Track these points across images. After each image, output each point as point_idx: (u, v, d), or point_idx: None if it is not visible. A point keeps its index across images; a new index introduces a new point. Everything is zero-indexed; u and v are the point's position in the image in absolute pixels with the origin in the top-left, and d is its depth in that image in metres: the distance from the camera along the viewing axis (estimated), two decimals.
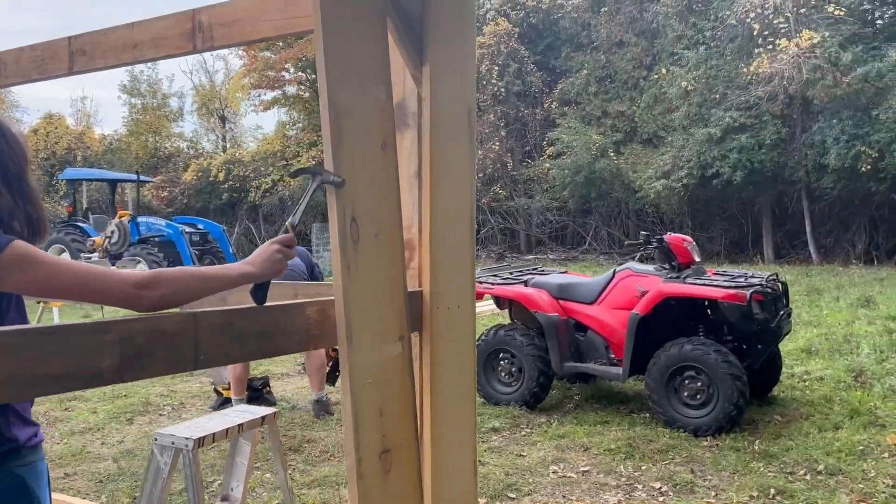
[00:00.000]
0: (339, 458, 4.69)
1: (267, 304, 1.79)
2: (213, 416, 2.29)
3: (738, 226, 21.40)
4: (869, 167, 16.80)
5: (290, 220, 1.84)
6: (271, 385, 6.36)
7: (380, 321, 1.97)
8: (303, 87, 32.16)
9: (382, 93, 2.04)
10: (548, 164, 23.20)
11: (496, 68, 25.02)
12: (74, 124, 37.39)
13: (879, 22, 20.51)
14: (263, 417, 2.27)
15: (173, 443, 2.03)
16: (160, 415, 5.89)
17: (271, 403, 6.07)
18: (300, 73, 31.76)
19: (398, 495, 2.00)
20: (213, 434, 2.08)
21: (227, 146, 38.28)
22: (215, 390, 6.12)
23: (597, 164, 21.05)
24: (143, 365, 1.50)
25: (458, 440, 2.34)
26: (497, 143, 24.54)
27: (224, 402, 5.96)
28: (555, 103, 24.64)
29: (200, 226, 16.77)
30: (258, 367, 7.34)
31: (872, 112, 17.06)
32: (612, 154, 21.67)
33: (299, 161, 29.44)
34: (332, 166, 1.85)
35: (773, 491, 3.92)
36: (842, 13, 18.34)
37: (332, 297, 1.91)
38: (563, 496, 4.00)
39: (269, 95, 32.22)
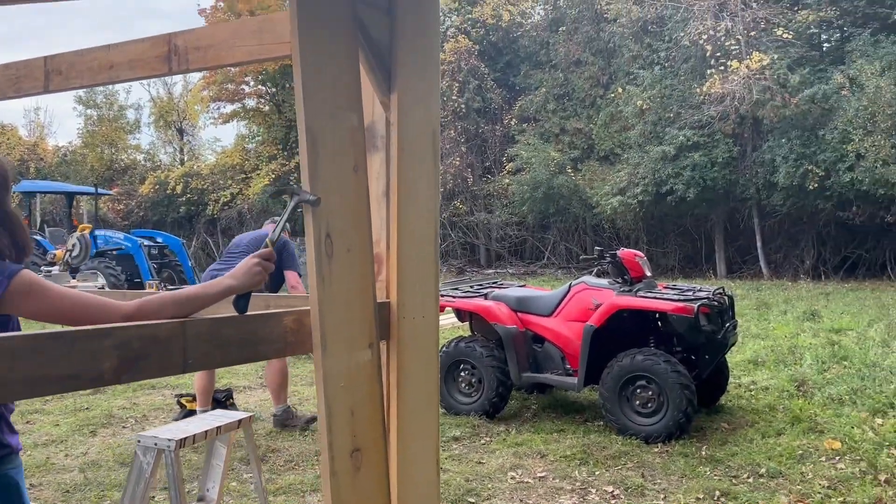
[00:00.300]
0: (304, 468, 4.81)
1: (248, 313, 1.95)
2: (191, 419, 2.42)
3: (692, 241, 21.95)
4: (816, 185, 17.42)
5: (269, 236, 1.99)
6: (234, 397, 6.43)
7: (351, 329, 2.13)
8: (262, 101, 32.11)
9: (354, 119, 2.22)
10: (507, 180, 23.55)
11: (457, 85, 25.36)
12: (28, 135, 36.79)
13: (826, 45, 21.35)
14: (239, 421, 2.41)
15: (156, 444, 2.15)
16: (123, 427, 5.94)
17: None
18: (260, 87, 31.72)
19: (367, 491, 2.16)
20: (194, 436, 2.21)
21: (185, 159, 38.00)
22: (178, 402, 6.18)
23: (555, 180, 21.43)
24: (138, 367, 1.64)
25: (422, 442, 2.50)
26: (458, 159, 24.84)
27: (187, 414, 6.02)
28: (514, 120, 25.04)
29: (159, 239, 16.65)
30: (221, 380, 7.41)
31: (819, 132, 17.71)
32: (569, 170, 22.09)
33: (258, 174, 29.38)
34: (309, 186, 2.01)
35: (718, 493, 4.15)
36: (790, 36, 19.04)
37: (307, 308, 2.07)
38: (521, 500, 4.18)
39: (229, 108, 32.13)
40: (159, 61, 3.27)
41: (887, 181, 15.64)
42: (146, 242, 15.40)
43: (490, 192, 24.71)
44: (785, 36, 19.01)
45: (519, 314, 5.88)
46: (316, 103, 2.06)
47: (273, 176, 28.36)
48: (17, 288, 1.65)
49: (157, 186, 31.16)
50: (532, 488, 4.35)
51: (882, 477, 4.29)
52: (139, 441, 2.17)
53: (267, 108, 32.07)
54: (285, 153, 30.34)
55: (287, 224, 2.09)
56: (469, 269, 23.57)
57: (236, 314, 1.93)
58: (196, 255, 27.58)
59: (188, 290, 1.83)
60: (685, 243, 22.02)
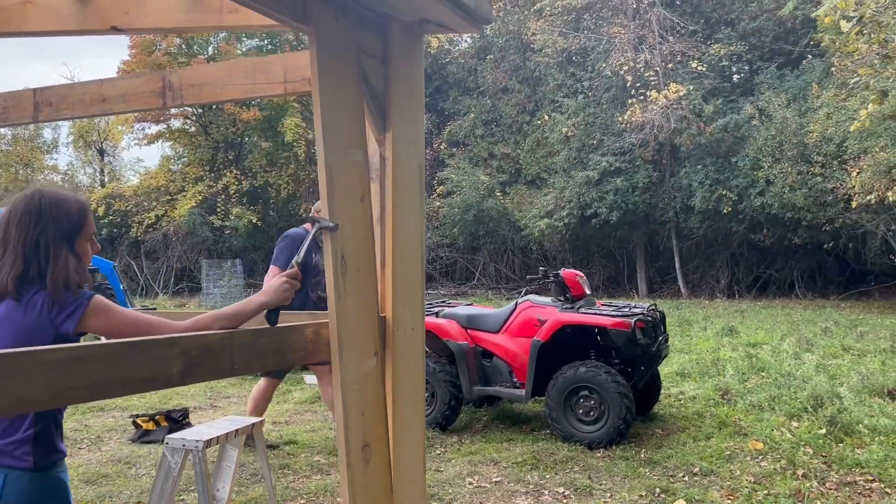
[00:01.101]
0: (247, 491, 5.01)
1: (277, 325, 2.23)
2: (209, 424, 2.66)
3: (615, 262, 22.84)
4: (730, 209, 18.48)
5: (295, 258, 2.29)
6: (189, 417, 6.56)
7: (361, 340, 2.44)
8: (188, 122, 31.76)
9: (360, 155, 2.54)
10: (438, 203, 24.01)
11: None
12: None
13: (736, 77, 22.68)
14: (253, 424, 2.67)
15: (184, 445, 2.38)
16: (79, 448, 5.99)
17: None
18: (186, 108, 31.39)
19: (375, 481, 2.45)
20: (217, 437, 2.45)
21: (106, 180, 37.12)
22: (134, 423, 6.27)
23: (485, 203, 22.02)
24: (198, 371, 1.91)
25: (412, 439, 2.80)
26: None
27: (143, 435, 6.13)
28: (444, 144, 25.59)
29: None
30: (171, 401, 7.50)
31: (732, 159, 18.83)
32: (498, 194, 22.72)
33: (184, 196, 29.00)
34: (327, 215, 2.32)
35: (658, 490, 4.57)
36: (704, 69, 20.21)
37: (323, 321, 2.37)
38: (480, 503, 4.50)
39: (154, 129, 31.65)
40: (153, 95, 3.51)
41: (794, 205, 16.76)
42: (116, 265, 15.13)
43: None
44: (699, 68, 20.18)
45: (469, 331, 6.23)
46: (332, 142, 2.37)
47: (200, 198, 28.05)
48: (93, 309, 1.91)
49: None
50: (489, 492, 4.68)
51: (800, 472, 4.80)
52: (167, 443, 2.40)
53: (193, 129, 31.72)
54: (212, 174, 30.07)
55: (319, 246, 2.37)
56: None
57: (268, 326, 2.21)
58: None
59: (232, 307, 2.12)
60: (608, 264, 22.89)
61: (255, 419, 2.73)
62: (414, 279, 2.89)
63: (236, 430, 2.55)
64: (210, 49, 30.28)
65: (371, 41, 2.66)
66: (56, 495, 1.96)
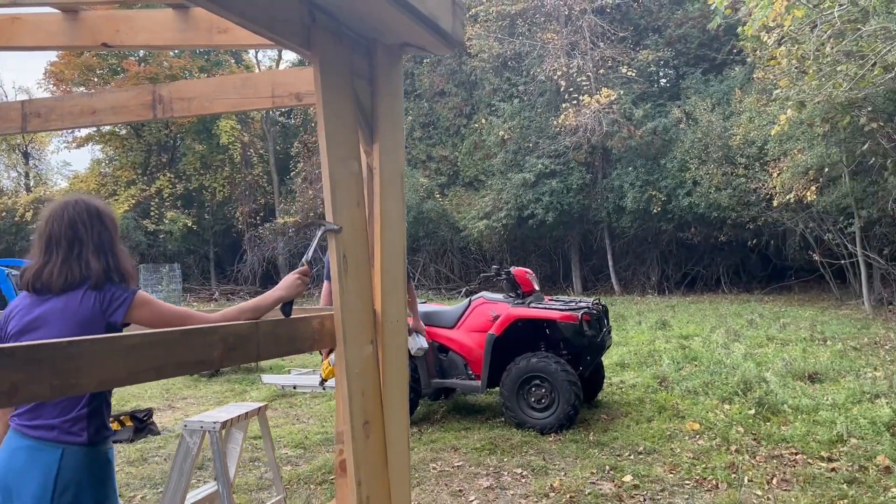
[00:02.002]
0: (240, 474, 5.24)
1: (291, 317, 2.53)
2: (222, 409, 2.91)
3: (551, 261, 23.50)
4: (659, 209, 19.28)
5: (304, 257, 2.58)
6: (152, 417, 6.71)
7: (361, 329, 2.75)
8: (119, 124, 31.15)
9: (355, 166, 2.85)
10: None
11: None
12: None
13: (664, 82, 23.61)
14: (259, 408, 2.95)
15: (202, 426, 2.64)
16: None
17: (156, 433, 6.45)
18: None
19: (374, 453, 2.77)
20: (231, 419, 2.72)
21: (32, 184, 36.01)
22: (118, 420, 6.39)
23: (424, 205, 22.36)
24: (233, 356, 2.19)
25: (400, 418, 3.12)
26: None
27: (139, 431, 6.31)
28: None
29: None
30: (128, 403, 7.60)
31: (661, 161, 19.64)
32: (437, 196, 23.10)
33: (116, 199, 28.47)
34: (332, 218, 2.63)
35: (607, 468, 4.99)
36: (633, 74, 20.99)
37: (328, 312, 2.67)
38: (446, 484, 4.84)
39: (84, 131, 30.95)
40: (143, 108, 3.74)
41: (719, 205, 17.62)
42: (13, 272, 14.78)
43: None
44: (629, 73, 20.96)
45: (426, 327, 6.56)
46: (334, 154, 2.68)
47: (133, 201, 27.61)
48: (137, 303, 2.19)
49: (4, 214, 29.44)
50: (453, 474, 5.02)
51: (733, 448, 5.30)
52: (185, 425, 2.66)
53: (124, 131, 31.15)
54: (145, 178, 29.60)
55: (321, 246, 2.67)
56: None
57: (283, 317, 2.50)
58: None
59: (254, 301, 2.41)
60: (545, 263, 23.53)
61: (258, 404, 3.00)
62: (398, 276, 3.21)
63: (245, 414, 2.83)
64: (142, 52, 29.72)
65: (361, 63, 2.97)
66: (106, 469, 2.22)
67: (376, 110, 3.08)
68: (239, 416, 2.75)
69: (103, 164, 32.01)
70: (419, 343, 5.74)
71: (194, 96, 3.61)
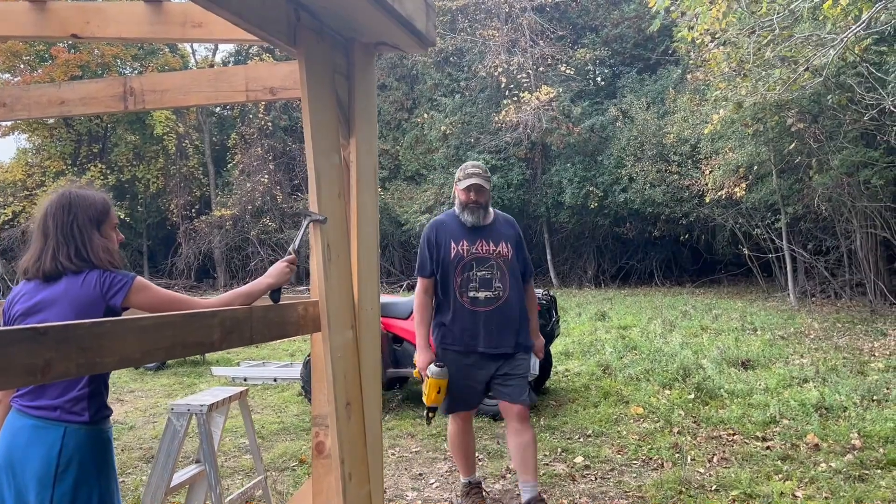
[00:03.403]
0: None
1: (280, 303, 2.64)
2: (205, 392, 2.99)
3: None
4: (596, 204, 19.78)
5: (291, 247, 2.69)
6: None
7: (342, 315, 2.88)
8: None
9: (336, 158, 2.98)
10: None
11: (263, 103, 25.58)
12: None
13: (600, 80, 24.15)
14: (241, 392, 3.05)
15: (189, 409, 2.73)
16: None
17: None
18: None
19: (355, 433, 2.91)
20: (217, 402, 2.81)
21: None
22: None
23: None
24: (229, 339, 2.30)
25: (374, 401, 3.26)
26: (266, 176, 25.04)
27: None
28: None
29: None
30: None
31: (598, 158, 20.14)
32: (379, 190, 23.12)
33: (44, 191, 27.58)
34: (316, 209, 2.75)
35: (559, 450, 5.23)
36: (571, 72, 21.44)
37: (312, 300, 2.80)
38: (406, 468, 5.00)
39: (9, 120, 29.79)
40: (114, 100, 3.77)
41: (654, 201, 18.19)
42: None
43: (300, 210, 25.13)
44: (567, 71, 21.39)
45: (381, 318, 6.68)
46: (318, 147, 2.79)
47: (70, 193, 26.74)
48: (136, 288, 2.28)
49: None
50: (412, 459, 5.18)
51: (675, 430, 5.60)
52: (172, 409, 2.74)
53: (52, 120, 30.15)
54: (75, 168, 28.74)
55: (307, 237, 2.78)
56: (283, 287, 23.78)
57: (272, 304, 2.62)
58: None
59: (247, 287, 2.52)
60: None
61: (240, 389, 3.09)
62: (372, 265, 3.35)
63: (229, 397, 2.92)
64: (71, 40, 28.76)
65: (339, 60, 3.10)
66: (106, 448, 2.30)
67: (353, 105, 3.20)
68: (223, 399, 2.85)
69: (30, 153, 30.91)
70: (534, 368, 5.11)
71: (167, 89, 3.66)
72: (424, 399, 4.06)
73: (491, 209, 4.25)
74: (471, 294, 3.98)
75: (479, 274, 3.99)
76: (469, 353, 3.99)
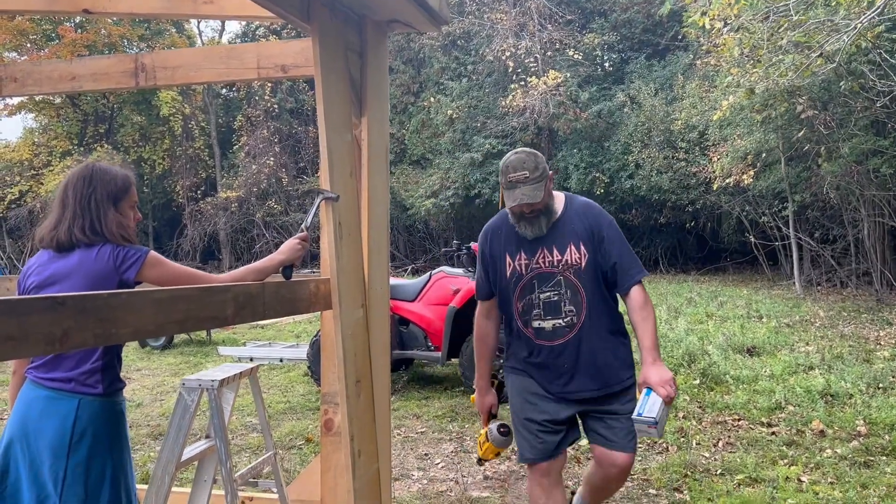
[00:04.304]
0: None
1: (291, 279, 2.65)
2: (215, 369, 3.01)
3: None
4: (602, 191, 19.73)
5: (304, 223, 2.69)
6: None
7: (353, 293, 2.89)
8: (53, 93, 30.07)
9: (349, 136, 2.97)
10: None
11: (269, 85, 25.53)
12: None
13: (608, 66, 24.03)
14: (251, 369, 3.06)
15: (200, 384, 2.74)
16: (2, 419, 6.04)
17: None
18: None
19: (364, 410, 2.92)
20: (228, 378, 2.83)
21: None
22: None
23: None
24: (243, 314, 2.31)
25: (383, 378, 3.27)
26: (271, 159, 25.02)
27: None
28: None
29: None
30: None
31: (605, 144, 20.07)
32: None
33: (51, 171, 27.61)
34: (329, 187, 2.75)
35: None
36: (579, 57, 21.32)
37: (323, 277, 2.80)
38: (412, 448, 5.02)
39: (16, 99, 29.77)
40: (125, 76, 3.76)
41: (660, 188, 18.14)
42: None
43: (311, 188, 25.14)
44: (575, 56, 21.28)
45: None
46: (331, 125, 2.79)
47: (70, 169, 26.79)
48: (149, 262, 2.29)
49: None
50: (418, 440, 5.21)
51: (681, 414, 5.62)
52: (184, 384, 2.76)
53: (59, 100, 30.13)
54: (81, 148, 28.74)
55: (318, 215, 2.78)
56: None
57: (284, 280, 2.62)
58: None
59: (259, 263, 2.53)
60: None
61: (250, 365, 3.10)
62: (381, 245, 3.36)
63: (240, 373, 2.94)
64: (78, 18, 28.72)
65: (352, 37, 3.09)
66: (120, 420, 2.32)
67: (365, 84, 3.19)
68: (234, 375, 2.86)
69: (36, 133, 30.91)
70: (652, 410, 2.72)
71: (178, 65, 3.65)
72: (477, 449, 3.42)
73: (559, 197, 3.07)
74: (535, 324, 2.97)
75: (542, 296, 2.95)
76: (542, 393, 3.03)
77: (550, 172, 2.96)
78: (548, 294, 2.95)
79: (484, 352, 3.33)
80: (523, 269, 3.00)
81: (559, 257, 2.93)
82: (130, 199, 2.44)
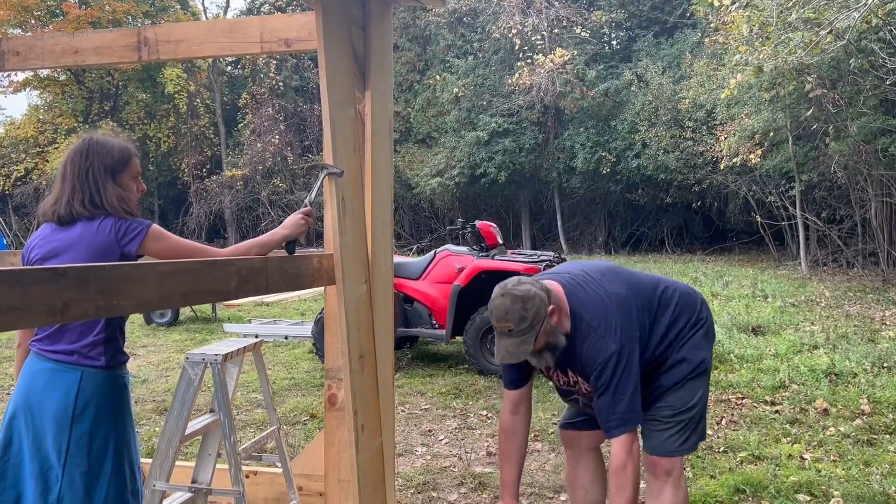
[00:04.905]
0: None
1: (295, 254, 2.64)
2: (219, 343, 3.02)
3: (501, 220, 23.72)
4: (608, 170, 19.66)
5: (307, 198, 2.68)
6: None
7: (356, 268, 2.88)
8: (58, 70, 30.02)
9: (352, 111, 2.95)
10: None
11: (274, 63, 25.42)
12: None
13: (615, 44, 23.84)
14: (255, 344, 3.07)
15: (204, 358, 2.75)
16: (7, 394, 6.08)
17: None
18: None
19: (368, 386, 2.93)
20: (232, 352, 2.84)
21: None
22: None
23: None
24: (246, 288, 2.30)
25: (386, 353, 3.27)
26: (276, 137, 24.95)
27: None
28: None
29: None
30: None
31: (611, 123, 19.96)
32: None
33: (56, 148, 27.61)
34: (332, 162, 2.73)
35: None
36: (587, 34, 21.16)
37: (327, 253, 2.80)
38: (416, 424, 5.04)
39: (21, 76, 29.73)
40: (128, 50, 3.73)
41: (667, 167, 18.07)
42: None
43: (312, 174, 25.10)
44: (582, 34, 21.12)
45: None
46: (334, 99, 2.77)
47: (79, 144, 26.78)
48: (152, 235, 2.28)
49: None
50: (422, 416, 5.23)
51: None
52: (188, 358, 2.76)
53: (63, 76, 30.05)
54: (86, 126, 28.70)
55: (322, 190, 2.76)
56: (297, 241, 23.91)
57: (288, 255, 2.62)
58: None
59: (263, 238, 2.53)
60: (495, 221, 23.73)
61: (254, 340, 3.11)
62: (385, 221, 3.35)
63: (244, 348, 2.94)
64: None
65: (356, 11, 3.06)
66: (123, 393, 2.32)
67: (369, 57, 3.17)
68: (238, 349, 2.87)
69: (41, 110, 30.89)
70: None
71: (181, 39, 3.62)
72: None
73: (567, 322, 2.58)
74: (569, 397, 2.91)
75: (569, 398, 2.90)
76: None
77: (552, 307, 2.50)
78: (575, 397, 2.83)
79: (510, 453, 2.80)
80: (558, 380, 2.82)
81: (569, 377, 2.71)
82: (131, 171, 2.42)
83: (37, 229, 2.42)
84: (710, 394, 5.45)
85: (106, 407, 2.25)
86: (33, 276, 1.47)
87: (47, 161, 26.99)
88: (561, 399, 2.93)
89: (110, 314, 1.76)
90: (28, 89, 30.15)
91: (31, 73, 29.83)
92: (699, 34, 18.54)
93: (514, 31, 21.04)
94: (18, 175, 27.57)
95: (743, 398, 5.46)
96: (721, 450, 4.35)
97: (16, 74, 29.72)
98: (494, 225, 6.81)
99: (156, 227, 2.33)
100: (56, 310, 1.55)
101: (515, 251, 7.00)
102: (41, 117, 30.23)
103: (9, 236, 26.95)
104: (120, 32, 3.72)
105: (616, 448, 2.45)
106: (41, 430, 2.18)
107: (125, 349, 2.42)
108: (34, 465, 2.19)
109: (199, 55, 3.64)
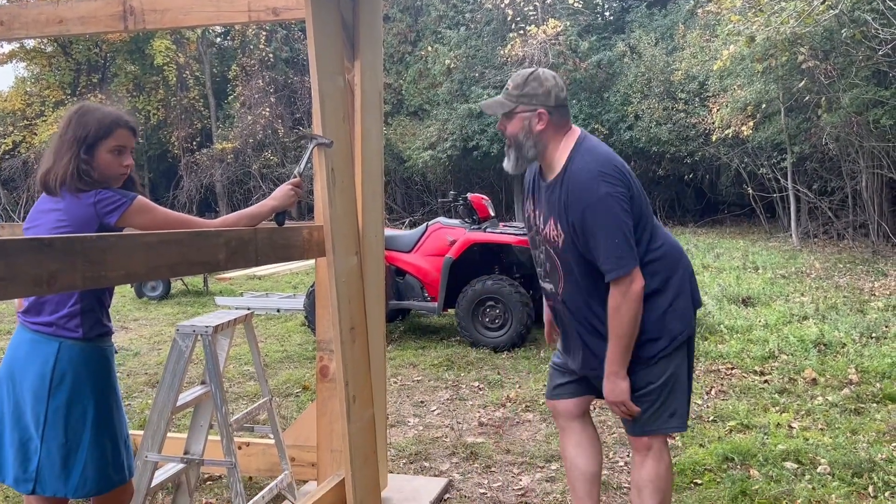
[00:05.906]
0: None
1: (284, 226, 2.63)
2: (210, 315, 3.01)
3: (494, 193, 23.66)
4: None
5: (297, 170, 2.66)
6: None
7: (347, 240, 2.87)
8: (44, 41, 29.61)
9: (341, 81, 2.93)
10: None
11: (264, 34, 25.14)
12: None
13: (609, 15, 23.64)
14: (246, 315, 3.06)
15: (194, 330, 2.75)
16: None
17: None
18: None
19: (359, 357, 2.93)
20: (223, 324, 2.83)
21: None
22: None
23: None
24: (235, 259, 2.29)
25: (377, 325, 3.27)
26: (267, 109, 24.74)
27: None
28: None
29: None
30: None
31: (604, 94, 19.85)
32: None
33: (44, 121, 27.34)
34: (321, 132, 2.71)
35: None
36: (579, 5, 20.95)
37: (317, 224, 2.79)
38: (408, 396, 5.07)
39: (7, 48, 29.34)
40: (113, 19, 3.68)
41: (659, 139, 18.02)
42: None
43: (301, 144, 24.94)
44: (575, 4, 20.90)
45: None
46: (323, 68, 2.74)
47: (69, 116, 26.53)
48: (136, 208, 2.26)
49: None
50: (414, 388, 5.25)
51: None
52: (178, 329, 2.76)
53: (50, 48, 29.66)
54: (74, 98, 28.39)
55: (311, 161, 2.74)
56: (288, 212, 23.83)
57: (277, 226, 2.60)
58: None
59: (251, 209, 2.51)
60: (488, 195, 23.68)
61: (245, 311, 3.11)
62: (376, 192, 3.33)
63: (234, 319, 2.94)
64: None
65: None
66: (104, 364, 2.32)
67: (358, 27, 3.13)
68: (229, 321, 2.86)
69: (28, 82, 30.52)
70: None
71: (168, 8, 3.57)
72: None
73: (563, 149, 2.43)
74: (541, 282, 2.67)
75: (540, 257, 2.61)
76: None
77: (541, 110, 2.40)
78: (540, 253, 2.59)
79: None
80: (532, 220, 2.61)
81: (541, 227, 2.51)
82: (108, 143, 2.33)
83: (27, 205, 2.40)
84: (699, 364, 5.50)
85: (85, 379, 2.24)
86: (18, 246, 1.45)
87: (35, 134, 26.71)
88: (539, 282, 2.72)
89: (97, 285, 1.74)
90: (14, 61, 29.76)
91: (18, 45, 29.44)
92: (692, 3, 18.40)
93: (506, 2, 20.80)
94: (6, 148, 27.30)
95: (732, 368, 5.50)
96: (710, 419, 4.39)
97: (1, 46, 29.39)
98: (486, 198, 6.81)
99: (142, 199, 2.31)
100: (42, 280, 1.54)
101: (507, 224, 6.98)
102: (28, 90, 29.87)
103: None
104: (105, 1, 3.66)
105: (612, 291, 2.32)
106: (21, 400, 2.19)
107: (114, 321, 2.41)
108: (14, 435, 2.19)
109: (185, 24, 3.59)
